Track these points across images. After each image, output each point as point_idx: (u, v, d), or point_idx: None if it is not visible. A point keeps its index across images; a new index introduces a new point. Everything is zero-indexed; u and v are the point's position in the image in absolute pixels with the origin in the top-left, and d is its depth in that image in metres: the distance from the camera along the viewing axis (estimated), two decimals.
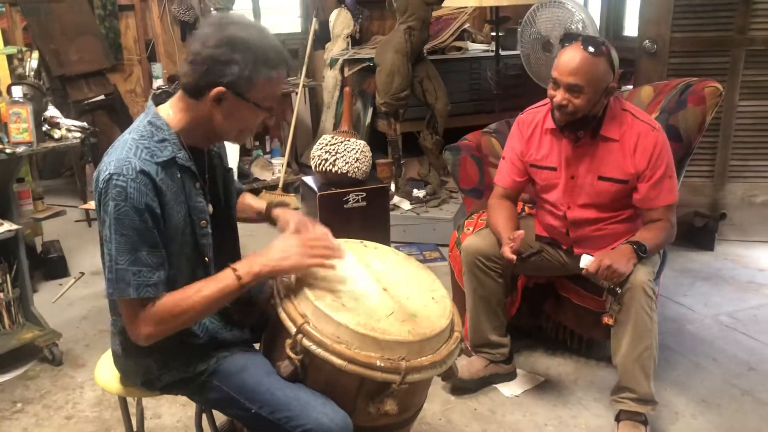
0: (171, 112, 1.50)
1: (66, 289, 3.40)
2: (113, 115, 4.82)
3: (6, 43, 3.83)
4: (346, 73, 5.05)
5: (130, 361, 1.63)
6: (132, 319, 1.45)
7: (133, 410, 1.91)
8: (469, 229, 2.66)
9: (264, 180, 4.83)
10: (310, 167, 3.35)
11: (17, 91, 2.58)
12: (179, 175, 1.48)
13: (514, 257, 2.11)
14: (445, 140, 4.09)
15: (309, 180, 3.33)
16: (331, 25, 5.23)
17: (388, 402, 1.50)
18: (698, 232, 3.71)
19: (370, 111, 4.90)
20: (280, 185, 4.74)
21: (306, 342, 1.46)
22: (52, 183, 4.89)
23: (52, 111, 2.79)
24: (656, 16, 3.58)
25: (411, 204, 4.10)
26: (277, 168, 4.91)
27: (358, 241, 1.81)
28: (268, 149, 5.33)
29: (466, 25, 5.01)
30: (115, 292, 1.42)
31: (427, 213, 4.01)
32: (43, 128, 2.67)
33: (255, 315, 1.73)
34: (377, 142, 4.86)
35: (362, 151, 3.15)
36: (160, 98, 1.55)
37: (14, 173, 2.72)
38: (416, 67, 3.97)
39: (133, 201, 1.38)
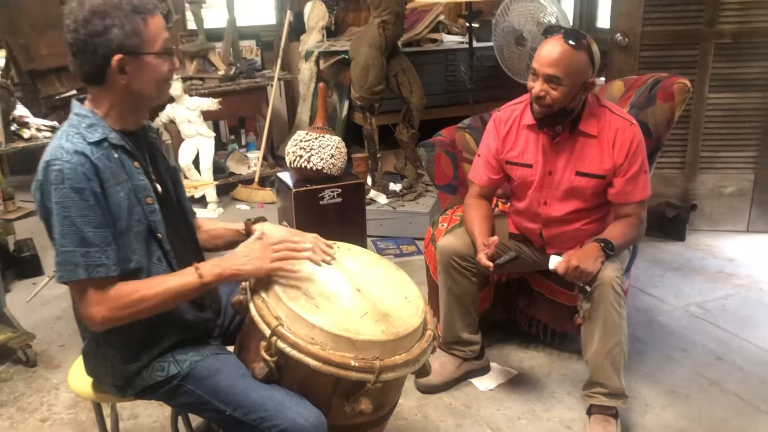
0: (91, 105, 1.53)
1: (40, 289, 3.37)
2: None
3: None
4: (322, 65, 5.04)
5: (99, 360, 1.63)
6: (86, 302, 1.45)
7: (108, 411, 1.90)
8: (443, 225, 2.68)
9: (240, 174, 4.81)
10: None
11: None
12: (116, 155, 1.49)
13: (491, 264, 2.13)
14: (422, 131, 4.12)
15: (284, 176, 3.32)
16: (306, 16, 5.21)
17: (363, 401, 1.52)
18: (669, 222, 3.78)
19: (346, 103, 4.90)
20: (256, 179, 4.73)
21: (280, 344, 1.48)
22: (24, 178, 4.82)
23: (20, 110, 2.76)
24: (628, 9, 3.63)
25: (387, 198, 4.11)
26: (253, 162, 4.89)
27: (332, 242, 1.82)
28: (243, 143, 5.32)
29: (441, 17, 5.01)
30: (65, 275, 1.43)
31: (404, 207, 4.02)
32: (12, 128, 2.64)
33: (218, 298, 1.77)
34: (354, 134, 4.87)
35: (337, 147, 3.14)
36: (81, 100, 1.57)
37: None
38: (391, 61, 3.97)
39: (71, 182, 1.40)
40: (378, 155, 4.35)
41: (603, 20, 4.72)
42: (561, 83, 2.07)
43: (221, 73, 4.80)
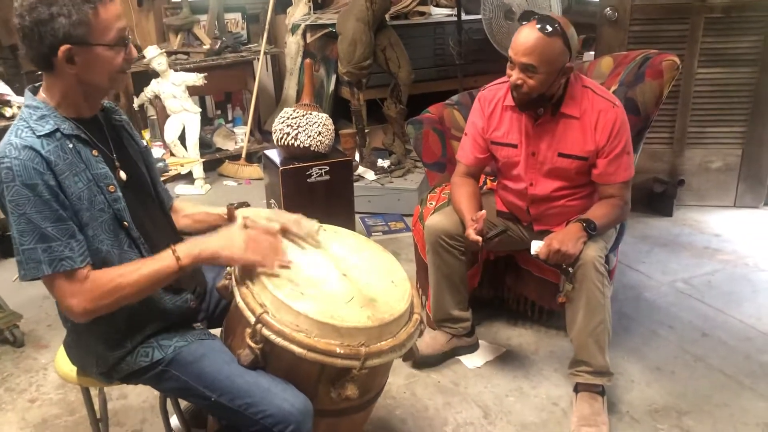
0: (44, 94, 1.48)
1: None
2: None
3: None
4: (309, 38, 4.97)
5: (82, 351, 1.63)
6: (61, 295, 1.44)
7: (96, 392, 1.90)
8: (432, 203, 2.67)
9: (227, 150, 4.77)
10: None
11: None
12: (71, 146, 1.45)
13: (480, 239, 2.13)
14: (410, 105, 4.08)
15: (271, 153, 3.30)
16: None
17: (349, 387, 1.53)
18: (657, 197, 3.79)
19: (334, 78, 4.84)
20: (243, 155, 4.69)
21: (265, 331, 1.47)
22: None
23: (2, 88, 2.71)
24: None
25: (376, 174, 4.09)
26: (240, 137, 4.85)
27: (318, 225, 1.80)
28: (230, 118, 5.26)
29: None
30: (28, 273, 1.41)
31: (392, 183, 4.01)
32: None
33: (203, 282, 1.76)
34: (341, 109, 4.83)
35: (324, 124, 3.12)
36: (36, 88, 1.53)
37: None
38: (379, 36, 3.92)
39: (21, 178, 1.37)
40: (366, 131, 4.32)
41: None
42: (537, 71, 2.05)
43: (206, 47, 4.73)
